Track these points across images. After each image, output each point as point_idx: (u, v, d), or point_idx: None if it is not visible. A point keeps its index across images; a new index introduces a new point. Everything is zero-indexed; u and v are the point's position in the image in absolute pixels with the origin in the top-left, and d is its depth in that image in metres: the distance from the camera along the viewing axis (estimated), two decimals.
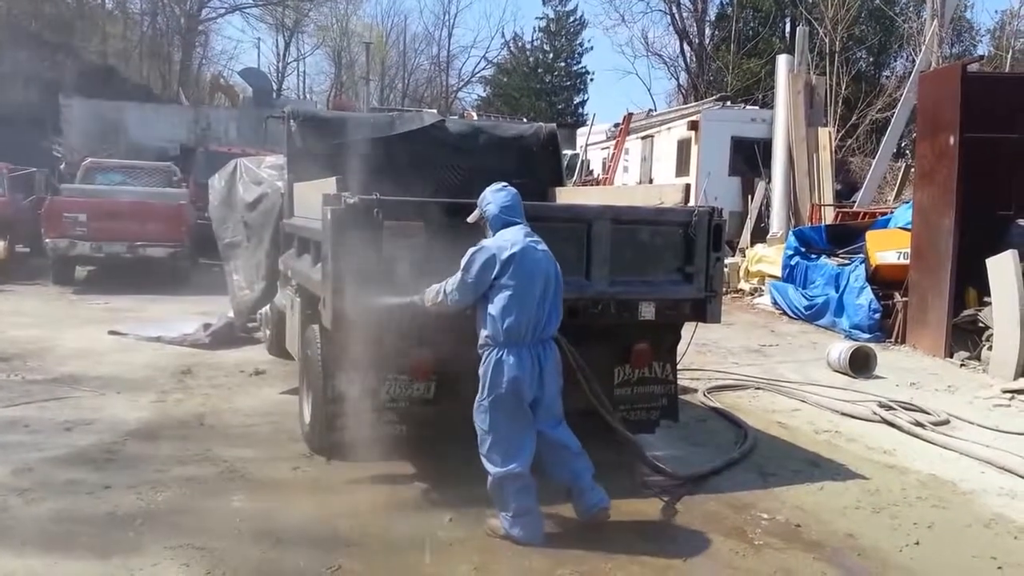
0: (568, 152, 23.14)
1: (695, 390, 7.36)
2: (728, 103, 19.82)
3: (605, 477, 4.39)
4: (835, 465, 5.56)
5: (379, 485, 4.80)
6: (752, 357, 9.22)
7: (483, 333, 4.06)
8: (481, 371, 4.07)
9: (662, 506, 4.67)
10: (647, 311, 4.98)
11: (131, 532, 4.09)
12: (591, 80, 48.04)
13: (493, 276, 3.98)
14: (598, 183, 18.81)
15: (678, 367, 7.80)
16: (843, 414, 6.82)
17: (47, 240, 12.51)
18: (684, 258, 5.02)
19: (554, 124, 7.74)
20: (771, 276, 13.16)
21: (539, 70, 47.80)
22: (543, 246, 4.16)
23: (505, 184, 4.28)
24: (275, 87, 44.06)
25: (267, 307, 7.86)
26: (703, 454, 5.66)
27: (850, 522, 4.59)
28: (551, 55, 48.07)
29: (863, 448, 5.99)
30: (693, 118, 17.41)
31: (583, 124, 24.43)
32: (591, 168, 20.76)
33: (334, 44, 48.27)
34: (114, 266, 13.10)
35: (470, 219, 4.29)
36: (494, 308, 3.99)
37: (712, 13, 34.88)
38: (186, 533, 4.07)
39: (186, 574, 3.66)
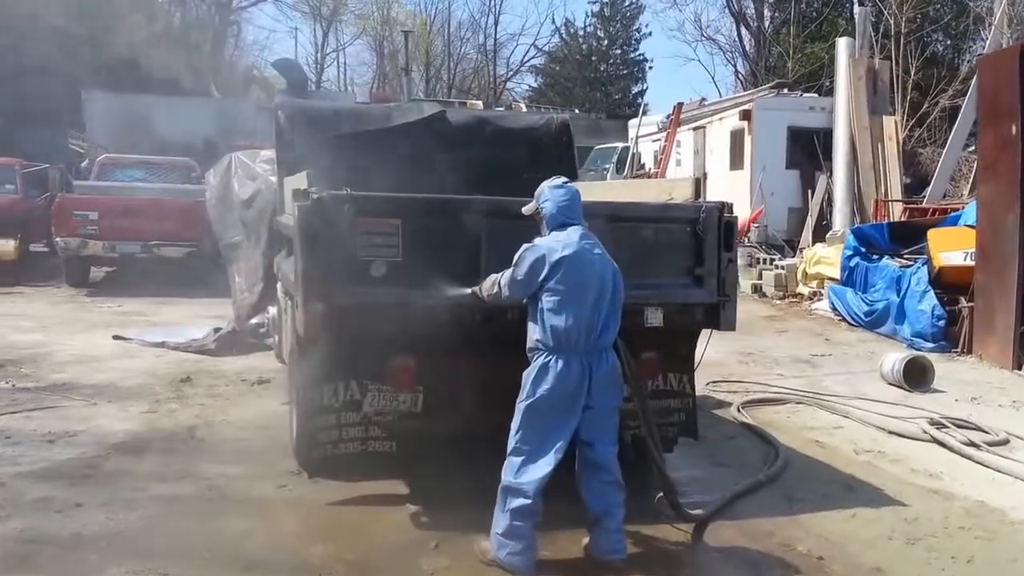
0: (619, 144, 23.04)
1: (729, 404, 7.18)
2: (785, 90, 19.41)
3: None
4: (871, 490, 5.35)
5: (365, 506, 4.77)
6: (799, 368, 8.98)
7: (533, 335, 4.05)
8: (526, 372, 4.06)
9: (674, 534, 4.53)
10: (654, 317, 4.83)
11: (94, 555, 4.11)
12: (650, 68, 47.70)
13: (542, 278, 3.97)
14: (649, 177, 18.61)
15: (716, 380, 7.90)
16: (889, 432, 6.58)
17: (57, 239, 12.75)
18: (693, 259, 4.88)
19: (567, 115, 7.66)
20: (830, 279, 12.83)
21: (593, 58, 47.58)
22: (600, 249, 4.12)
23: (565, 180, 4.23)
24: (313, 78, 44.74)
25: (274, 311, 7.91)
26: (726, 475, 5.50)
27: (880, 554, 4.40)
28: (606, 42, 47.82)
29: (906, 471, 5.75)
30: (745, 107, 17.09)
31: (645, 115, 24.23)
32: (642, 161, 20.55)
33: (375, 33, 48.62)
34: (130, 267, 13.34)
35: (525, 210, 4.26)
36: (545, 311, 3.98)
37: None
38: (152, 556, 4.07)
39: None
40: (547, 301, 3.99)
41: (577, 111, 35.91)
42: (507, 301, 4.16)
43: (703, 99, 20.93)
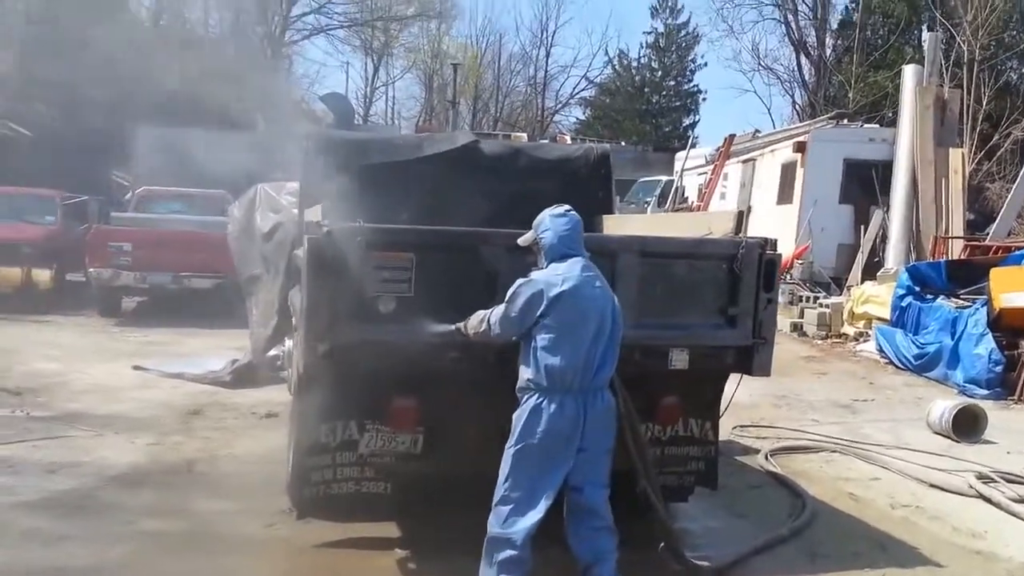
0: (663, 178, 22.86)
1: (757, 450, 6.92)
2: (844, 121, 19.04)
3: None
4: (906, 548, 5.07)
5: (352, 549, 4.66)
6: (838, 414, 8.66)
7: (524, 374, 3.91)
8: (516, 415, 3.92)
9: None
10: (679, 359, 4.63)
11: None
12: (703, 100, 47.45)
13: (539, 314, 3.83)
14: (690, 211, 18.38)
15: (744, 425, 7.64)
16: (931, 485, 6.26)
17: (91, 269, 13.01)
18: (728, 298, 4.66)
19: (607, 146, 7.52)
20: (878, 319, 12.44)
21: (645, 90, 47.57)
22: (601, 282, 4.00)
23: (568, 208, 4.10)
24: (361, 112, 45.55)
25: (290, 343, 7.88)
26: (746, 528, 5.27)
27: None
28: (659, 73, 47.80)
29: (947, 528, 5.45)
30: (800, 138, 16.76)
31: (694, 148, 24.03)
32: (686, 195, 20.35)
33: (425, 67, 49.31)
34: (161, 297, 13.54)
35: (521, 241, 4.14)
36: (539, 349, 3.85)
37: (834, 21, 33.94)
38: None
39: None
40: (542, 338, 3.85)
41: (624, 143, 35.87)
42: (496, 339, 4.01)
43: (756, 131, 20.64)
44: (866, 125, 18.78)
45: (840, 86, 30.47)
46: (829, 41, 33.34)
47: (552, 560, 4.06)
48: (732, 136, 18.38)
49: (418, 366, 4.22)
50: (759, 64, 35.21)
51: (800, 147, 16.45)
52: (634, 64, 47.96)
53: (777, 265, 4.73)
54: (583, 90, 48.47)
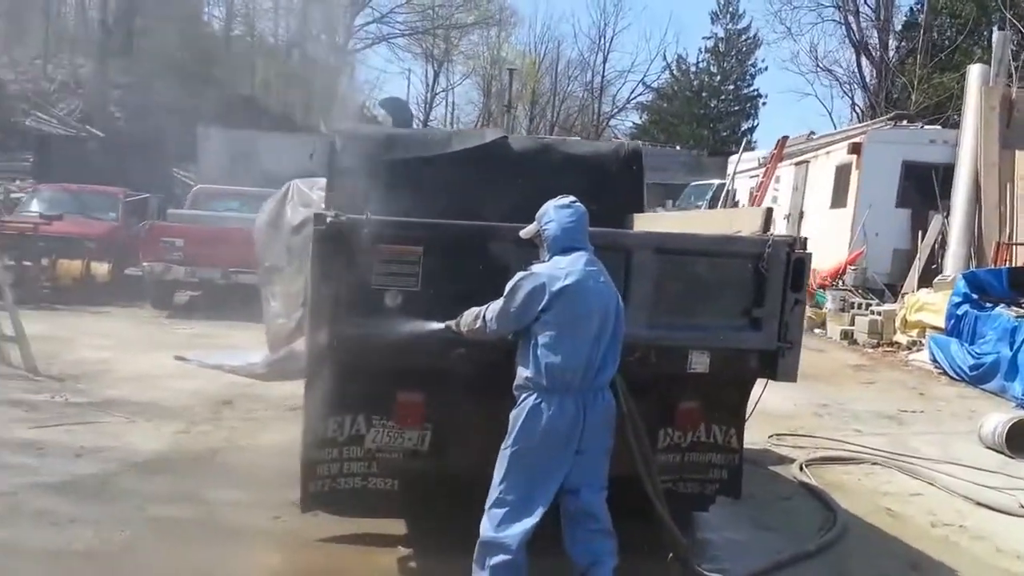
0: (715, 181, 22.33)
1: (793, 460, 6.56)
2: (904, 122, 18.29)
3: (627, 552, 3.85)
4: (942, 570, 4.71)
5: (354, 545, 4.49)
6: (883, 425, 8.20)
7: (523, 373, 3.67)
8: (513, 414, 3.69)
9: None
10: (699, 362, 4.33)
11: (66, 571, 4.00)
12: (763, 104, 46.52)
13: (540, 308, 3.60)
14: None
15: (781, 433, 7.28)
16: (977, 503, 5.84)
17: (144, 264, 13.21)
18: (752, 299, 4.35)
19: (639, 143, 7.25)
20: (933, 328, 11.86)
21: (703, 94, 46.83)
22: (605, 277, 3.75)
23: (573, 199, 3.87)
24: (421, 116, 45.80)
25: None
26: (771, 541, 4.96)
27: None
28: (718, 77, 47.01)
29: (990, 550, 5.06)
30: (856, 140, 16.11)
31: (749, 151, 23.46)
32: (737, 199, 19.81)
33: (484, 72, 49.46)
34: (211, 292, 13.64)
35: (523, 234, 3.91)
36: (538, 346, 3.61)
37: (898, 22, 32.87)
38: None
39: None
40: (543, 335, 3.61)
41: (678, 148, 35.33)
42: (492, 336, 3.76)
43: (811, 133, 20.01)
44: (927, 127, 17.97)
45: (903, 88, 29.43)
46: (892, 43, 32.28)
47: (548, 564, 3.80)
48: (785, 138, 17.79)
49: (424, 362, 4.04)
50: (817, 66, 34.36)
51: (855, 148, 15.81)
52: (692, 69, 47.30)
53: (807, 265, 4.40)
54: (640, 95, 48.09)
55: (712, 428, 4.71)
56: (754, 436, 7.28)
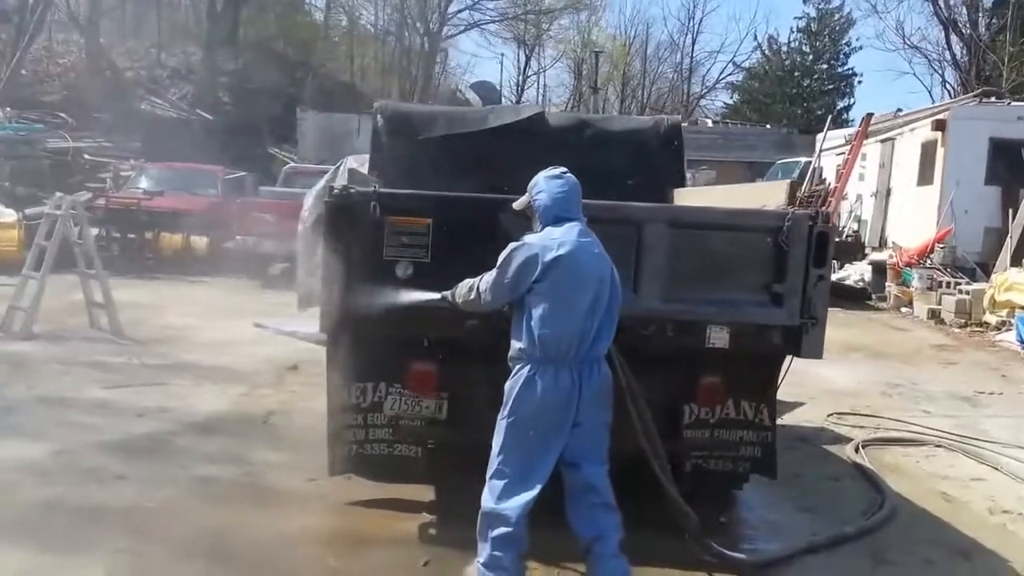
0: (802, 159, 21.42)
1: (850, 440, 6.15)
2: (992, 99, 17.10)
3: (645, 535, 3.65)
4: (995, 560, 4.29)
5: (381, 510, 4.40)
6: (955, 406, 7.63)
7: (516, 344, 3.51)
8: (508, 385, 3.53)
9: None
10: (717, 337, 4.09)
11: (100, 527, 4.01)
12: (859, 83, 44.47)
13: (533, 279, 3.43)
14: (828, 193, 17.07)
15: (841, 412, 6.86)
16: None
17: (238, 237, 13.55)
18: (773, 274, 4.08)
19: (678, 117, 6.92)
20: (1022, 308, 11.03)
21: (796, 74, 45.07)
22: (599, 249, 3.55)
23: (564, 170, 3.70)
24: (513, 99, 45.77)
25: None
26: (809, 523, 4.62)
27: None
28: (811, 57, 45.16)
29: None
30: (940, 117, 15.15)
31: (836, 128, 22.42)
32: (823, 176, 18.91)
33: (575, 56, 48.95)
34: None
35: (516, 205, 3.76)
36: (531, 317, 3.44)
37: None
38: (143, 537, 3.93)
39: None
40: (536, 306, 3.43)
41: (768, 126, 34.13)
42: (486, 308, 3.61)
43: (898, 110, 18.90)
44: (1015, 103, 16.73)
45: (994, 66, 27.52)
46: (982, 20, 30.18)
47: (552, 537, 3.62)
48: (870, 116, 16.83)
49: (435, 332, 3.97)
50: (905, 43, 32.53)
51: (939, 125, 14.86)
52: (784, 48, 45.56)
53: (830, 239, 4.08)
54: (730, 74, 46.71)
55: (742, 404, 4.45)
56: (813, 414, 6.93)
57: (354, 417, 4.35)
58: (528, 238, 3.51)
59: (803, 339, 4.10)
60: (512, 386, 3.48)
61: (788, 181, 5.12)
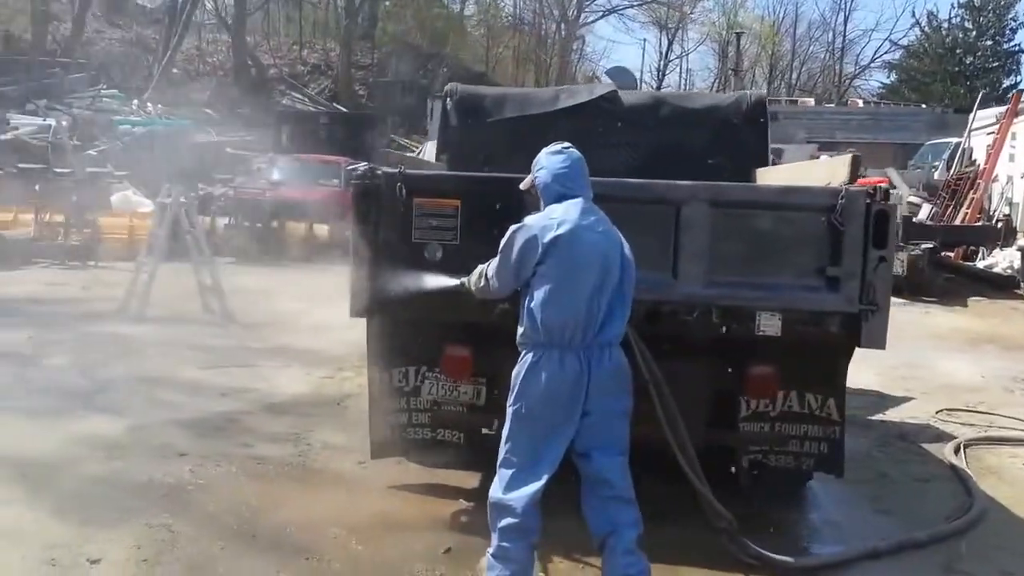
0: (953, 140, 20.06)
1: (954, 438, 5.63)
2: None
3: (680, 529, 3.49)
4: None
5: (422, 496, 4.39)
6: None
7: (520, 329, 3.41)
8: (514, 371, 3.42)
9: None
10: (768, 324, 3.81)
11: (144, 501, 4.16)
12: None
13: (536, 261, 3.31)
14: (978, 174, 15.80)
15: (952, 408, 6.30)
16: None
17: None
18: (828, 256, 3.76)
19: (763, 92, 6.54)
20: None
21: (957, 51, 42.07)
22: (605, 227, 3.37)
23: (566, 145, 3.56)
24: (654, 84, 45.08)
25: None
26: (881, 526, 4.26)
27: None
28: (974, 33, 42.04)
29: None
30: None
31: (986, 107, 20.76)
32: (973, 157, 17.51)
33: (719, 38, 47.62)
34: None
35: (522, 185, 3.65)
36: (533, 300, 3.32)
37: None
38: (181, 512, 4.05)
39: (127, 554, 3.60)
40: (539, 288, 3.28)
41: (924, 106, 32.01)
42: (497, 294, 3.49)
43: None
44: None
45: None
46: None
47: (568, 529, 3.47)
48: (1019, 93, 15.41)
49: (467, 317, 3.88)
50: None
51: None
52: (944, 25, 42.56)
53: (890, 217, 3.70)
54: (886, 53, 44.12)
55: (806, 397, 4.15)
56: (921, 410, 6.42)
57: (396, 401, 4.36)
58: (528, 219, 3.38)
59: (863, 327, 3.76)
60: (518, 372, 3.36)
61: (850, 155, 4.68)
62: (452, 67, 32.37)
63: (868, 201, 3.71)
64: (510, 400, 3.37)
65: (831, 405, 4.17)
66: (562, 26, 41.49)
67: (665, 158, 5.97)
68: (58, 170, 13.51)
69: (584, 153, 6.00)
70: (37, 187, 13.38)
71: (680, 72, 49.82)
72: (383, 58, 30.80)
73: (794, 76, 47.20)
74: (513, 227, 3.37)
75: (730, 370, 4.03)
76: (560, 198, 3.36)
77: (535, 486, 3.28)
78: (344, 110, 26.75)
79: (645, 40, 65.28)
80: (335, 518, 4.04)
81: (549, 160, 3.44)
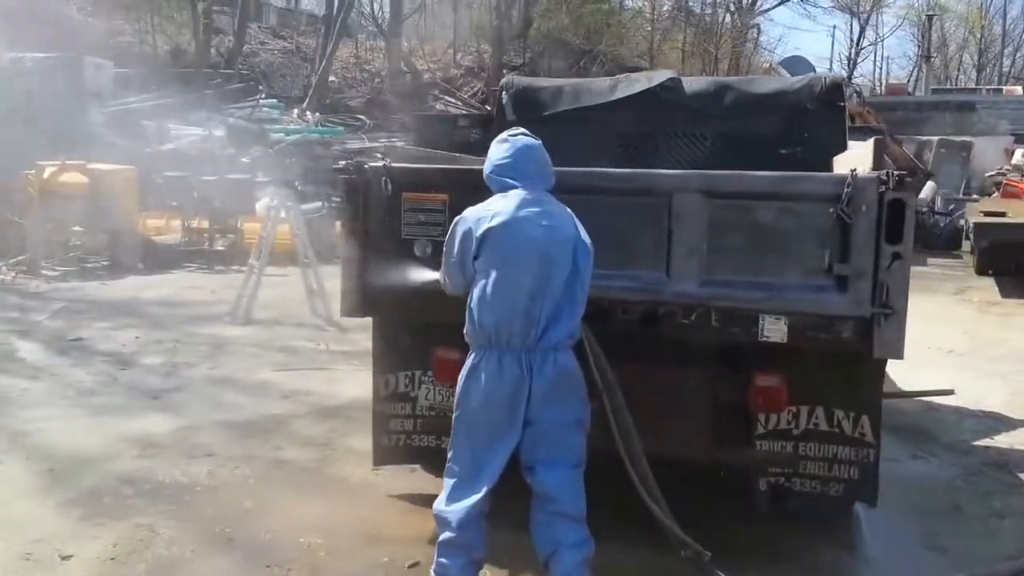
0: None
1: None
2: None
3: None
4: None
5: (419, 506, 4.28)
6: None
7: (464, 328, 3.32)
8: (460, 375, 3.34)
9: None
10: (772, 329, 3.48)
11: (146, 500, 4.37)
12: None
13: (473, 256, 3.21)
14: None
15: None
16: None
17: None
18: (837, 252, 3.39)
19: (840, 75, 5.98)
20: None
21: None
22: (551, 220, 3.20)
23: (517, 132, 3.41)
24: (845, 73, 42.83)
25: None
26: (924, 565, 3.79)
27: None
28: None
29: None
30: None
31: None
32: None
33: (918, 22, 44.54)
34: None
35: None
36: (472, 298, 3.23)
37: None
38: (175, 513, 4.21)
39: (99, 552, 3.77)
40: (476, 285, 3.17)
41: None
42: (454, 292, 3.35)
43: None
44: None
45: None
46: None
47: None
48: None
49: (455, 315, 3.75)
50: None
51: None
52: None
53: (906, 208, 3.25)
54: None
55: (835, 414, 3.77)
56: None
57: (395, 407, 4.34)
58: (467, 210, 3.26)
59: (875, 333, 3.35)
60: (461, 375, 3.25)
61: (873, 139, 4.19)
62: (608, 62, 32.14)
63: (881, 189, 3.31)
64: (455, 404, 3.27)
65: (864, 424, 3.76)
66: (736, 15, 40.16)
67: (732, 148, 5.66)
68: (204, 177, 14.48)
69: (644, 145, 5.88)
70: (195, 194, 14.39)
71: (875, 59, 47.14)
72: (535, 57, 31.00)
73: (1006, 63, 43.45)
74: (456, 219, 3.27)
75: (735, 380, 3.71)
76: (504, 189, 3.23)
77: (473, 499, 3.17)
78: (489, 109, 27.11)
79: (835, 27, 61.82)
80: (319, 526, 4.07)
81: (493, 150, 3.34)
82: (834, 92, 5.60)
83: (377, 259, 3.92)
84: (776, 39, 61.99)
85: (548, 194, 3.24)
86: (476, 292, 3.15)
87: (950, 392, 6.24)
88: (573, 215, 3.26)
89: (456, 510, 3.18)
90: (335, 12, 27.33)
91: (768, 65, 40.41)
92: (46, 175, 12.58)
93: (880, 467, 3.77)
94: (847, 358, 3.57)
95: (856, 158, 4.23)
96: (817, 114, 5.59)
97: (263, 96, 25.31)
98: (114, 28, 26.73)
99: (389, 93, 28.37)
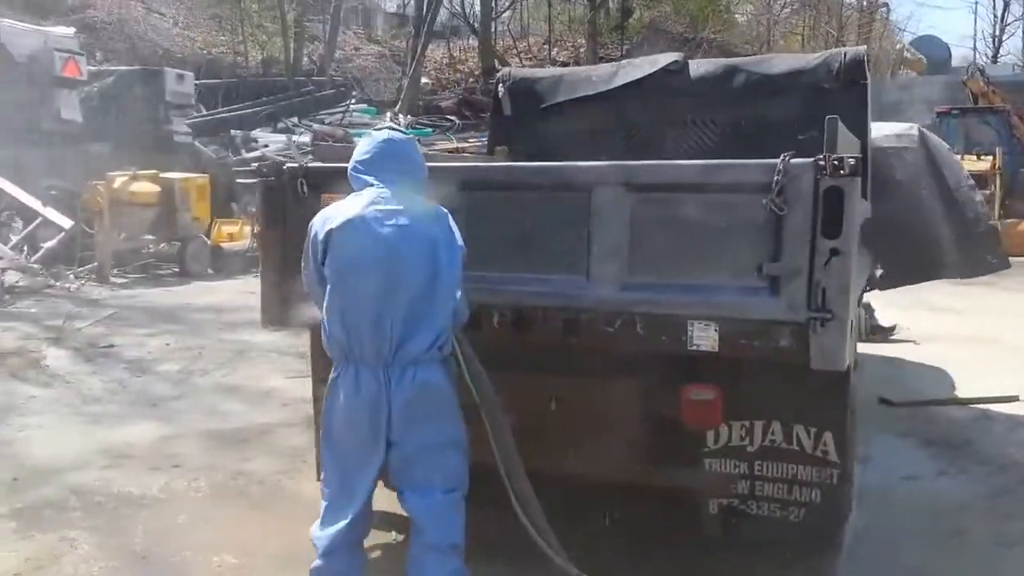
0: None
1: None
2: None
3: None
4: None
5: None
6: None
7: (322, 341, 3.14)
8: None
9: None
10: (702, 337, 3.11)
11: (84, 514, 4.34)
12: None
13: (321, 260, 3.00)
14: None
15: None
16: None
17: None
18: (770, 250, 3.00)
19: (862, 49, 5.40)
20: None
21: None
22: (406, 219, 2.91)
23: (388, 125, 3.35)
24: (989, 54, 40.52)
25: None
26: None
27: None
28: None
29: None
30: None
31: None
32: None
33: None
34: None
35: None
36: (323, 308, 3.03)
37: None
38: (107, 527, 4.18)
39: (8, 568, 3.74)
40: (327, 293, 2.95)
41: None
42: (316, 299, 3.10)
43: None
44: None
45: None
46: None
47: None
48: None
49: None
50: None
51: None
52: None
53: (848, 197, 2.83)
54: None
55: (793, 430, 3.36)
56: None
57: None
58: (319, 213, 3.05)
59: (811, 340, 2.93)
60: (324, 392, 3.03)
61: (827, 118, 3.69)
62: (711, 51, 31.27)
63: (817, 176, 2.90)
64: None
65: (827, 442, 3.34)
66: None
67: (745, 135, 5.30)
68: None
69: (650, 134, 5.55)
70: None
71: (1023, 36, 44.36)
72: (633, 49, 30.44)
73: None
74: (311, 222, 3.06)
75: (668, 393, 3.35)
76: (363, 187, 3.01)
77: (340, 525, 2.97)
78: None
79: (976, 2, 58.31)
80: (243, 545, 3.96)
81: (358, 147, 3.13)
82: (854, 69, 5.08)
83: (296, 267, 3.77)
84: (906, 17, 58.93)
85: (411, 193, 2.97)
86: (326, 301, 2.94)
87: (1014, 399, 5.63)
88: (447, 215, 3.00)
89: (324, 537, 3.00)
90: (423, 13, 27.61)
91: (900, 47, 38.43)
92: (116, 185, 13.13)
93: (851, 490, 3.36)
94: (786, 369, 3.16)
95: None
96: (836, 94, 5.08)
97: (355, 101, 25.86)
98: (208, 40, 27.87)
99: (481, 92, 28.45)
